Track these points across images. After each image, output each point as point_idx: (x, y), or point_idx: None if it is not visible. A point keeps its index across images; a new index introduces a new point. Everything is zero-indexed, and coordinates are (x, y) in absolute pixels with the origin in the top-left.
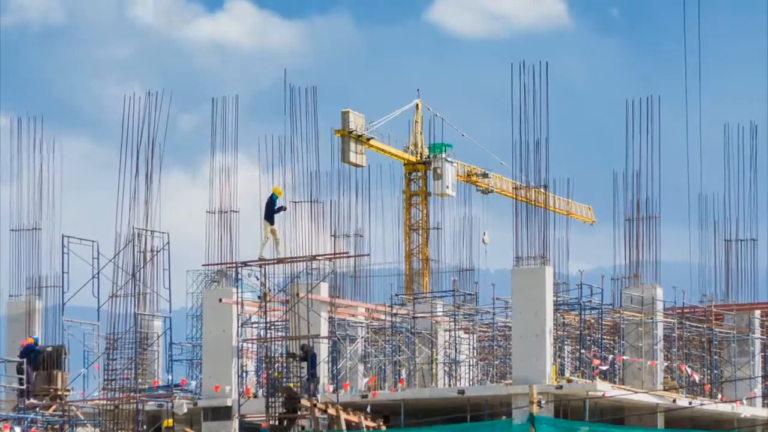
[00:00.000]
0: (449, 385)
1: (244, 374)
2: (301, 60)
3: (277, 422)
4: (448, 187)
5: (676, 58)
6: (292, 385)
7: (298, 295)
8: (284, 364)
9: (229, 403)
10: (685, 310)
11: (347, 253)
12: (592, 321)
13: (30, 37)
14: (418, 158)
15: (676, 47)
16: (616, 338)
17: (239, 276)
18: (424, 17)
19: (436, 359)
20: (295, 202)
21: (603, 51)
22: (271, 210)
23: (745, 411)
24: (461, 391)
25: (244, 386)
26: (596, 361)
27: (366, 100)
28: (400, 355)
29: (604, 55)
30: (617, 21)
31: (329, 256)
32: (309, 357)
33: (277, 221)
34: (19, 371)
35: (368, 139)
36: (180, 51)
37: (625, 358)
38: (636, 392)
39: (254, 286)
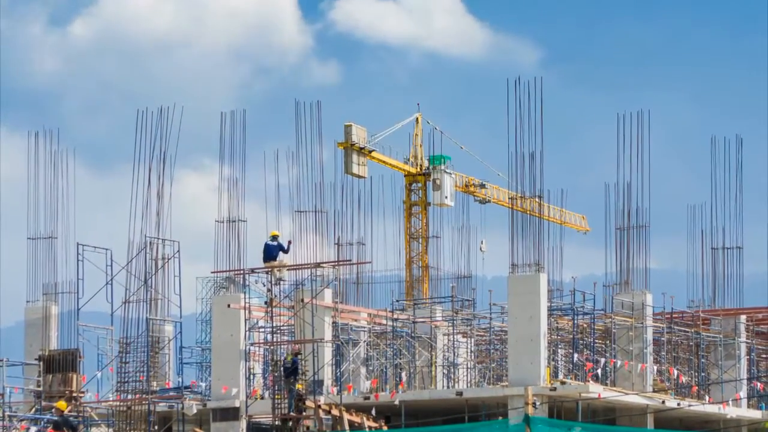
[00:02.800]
0: (448, 387)
1: (252, 376)
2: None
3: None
4: (446, 197)
5: (665, 75)
6: (297, 386)
7: (303, 300)
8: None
9: (237, 404)
10: (673, 316)
11: (350, 260)
12: (585, 326)
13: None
14: (418, 170)
15: (665, 64)
16: (608, 342)
17: (247, 282)
18: (424, 35)
19: (436, 362)
20: (301, 212)
21: (596, 67)
22: (272, 253)
23: (731, 412)
24: (459, 393)
25: (252, 388)
26: (588, 365)
27: (368, 114)
28: (400, 359)
29: (597, 70)
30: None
31: (333, 264)
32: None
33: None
34: None
35: (370, 152)
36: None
37: (616, 361)
38: (627, 394)
39: (261, 292)
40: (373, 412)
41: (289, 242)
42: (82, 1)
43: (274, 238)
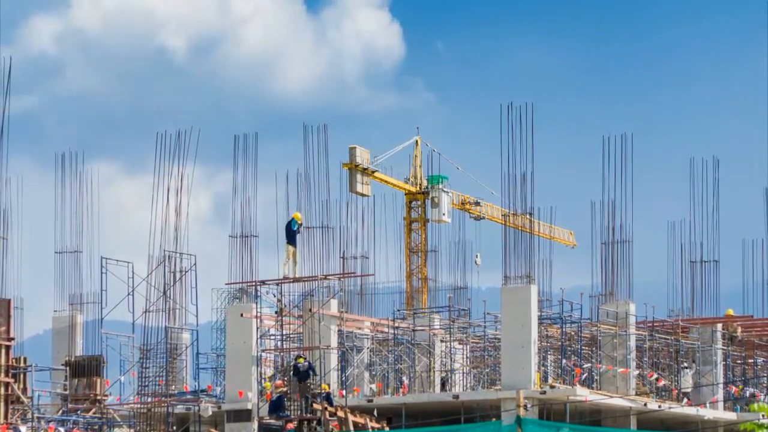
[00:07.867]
0: (445, 391)
1: (263, 381)
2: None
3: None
4: (444, 214)
5: (651, 98)
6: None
7: (311, 310)
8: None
9: (249, 407)
10: (655, 324)
11: (354, 273)
12: (573, 333)
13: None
14: (418, 188)
15: (651, 88)
16: (594, 349)
17: (258, 293)
18: (422, 59)
19: (434, 367)
20: (309, 227)
21: (587, 90)
22: (293, 233)
23: (708, 414)
24: (456, 396)
25: (267, 392)
26: (578, 371)
27: (371, 136)
28: (401, 364)
29: (588, 92)
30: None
31: (338, 276)
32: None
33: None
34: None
35: (373, 172)
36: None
37: (601, 366)
38: (611, 397)
39: (272, 302)
40: (375, 413)
41: (300, 225)
42: None
43: (294, 221)
